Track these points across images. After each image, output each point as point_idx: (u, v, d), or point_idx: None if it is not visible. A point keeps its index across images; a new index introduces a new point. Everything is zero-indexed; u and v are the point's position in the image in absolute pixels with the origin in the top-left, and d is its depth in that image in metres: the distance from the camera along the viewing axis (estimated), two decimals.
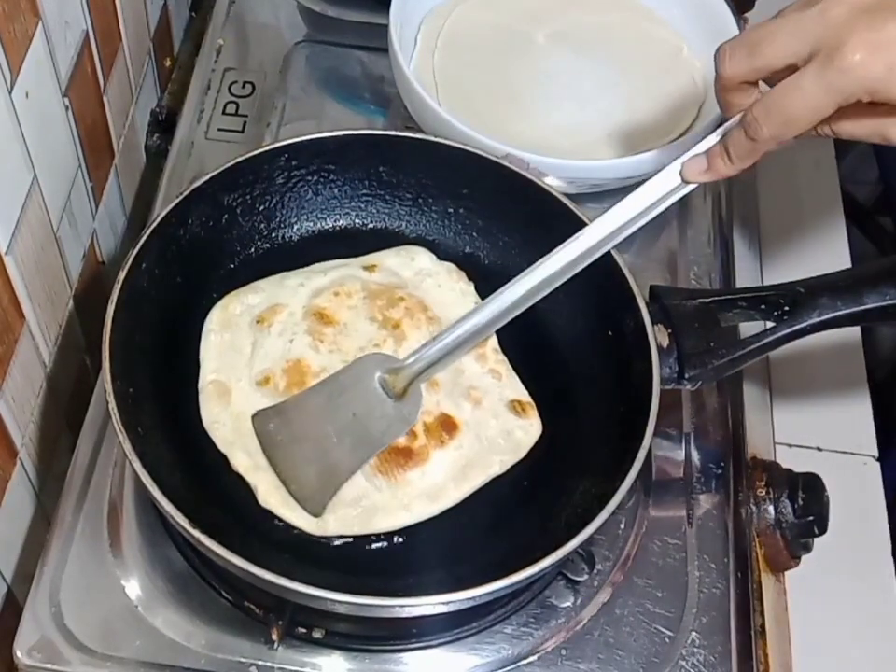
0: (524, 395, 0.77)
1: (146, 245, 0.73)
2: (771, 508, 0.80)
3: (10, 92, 0.70)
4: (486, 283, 0.81)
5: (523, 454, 0.74)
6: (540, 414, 0.76)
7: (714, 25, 0.97)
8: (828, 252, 0.99)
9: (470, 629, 0.73)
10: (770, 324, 0.74)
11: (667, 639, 0.73)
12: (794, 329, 0.73)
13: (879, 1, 0.57)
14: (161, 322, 0.75)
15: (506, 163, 0.81)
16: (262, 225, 0.82)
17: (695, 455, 0.82)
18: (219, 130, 0.98)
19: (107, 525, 0.75)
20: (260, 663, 0.71)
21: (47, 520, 0.86)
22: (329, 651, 0.72)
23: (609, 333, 0.76)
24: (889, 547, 0.85)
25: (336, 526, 0.70)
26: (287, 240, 0.84)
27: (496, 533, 0.71)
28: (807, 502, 0.79)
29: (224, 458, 0.72)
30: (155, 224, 0.74)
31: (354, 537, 0.70)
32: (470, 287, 0.81)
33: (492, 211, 0.83)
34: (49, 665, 0.70)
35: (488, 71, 0.98)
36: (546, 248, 0.71)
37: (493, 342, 0.78)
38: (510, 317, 0.72)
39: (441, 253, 0.83)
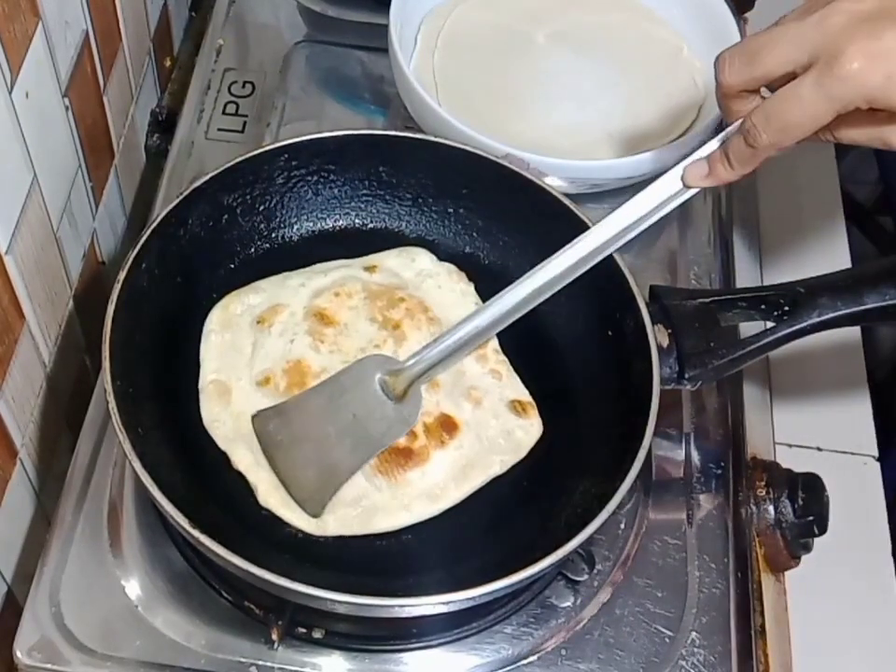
0: (524, 395, 0.77)
1: (146, 245, 0.73)
2: (771, 508, 0.80)
3: (10, 92, 0.70)
4: (486, 283, 0.81)
5: (523, 453, 0.74)
6: (541, 415, 0.76)
7: (714, 25, 0.97)
8: (828, 252, 0.99)
9: (470, 629, 0.73)
10: (770, 324, 0.74)
11: (667, 639, 0.73)
12: (794, 329, 0.73)
13: (878, 10, 0.57)
14: (161, 322, 0.75)
15: (506, 163, 0.81)
16: (262, 225, 0.82)
17: (695, 455, 0.82)
18: (219, 130, 0.98)
19: (107, 525, 0.75)
20: (260, 663, 0.71)
21: (47, 520, 0.86)
22: (329, 650, 0.72)
23: (609, 333, 0.76)
24: (888, 547, 0.85)
25: (336, 526, 0.70)
26: (287, 240, 0.84)
27: (496, 533, 0.71)
28: (807, 502, 0.79)
29: (224, 458, 0.72)
30: (155, 224, 0.74)
31: (354, 537, 0.70)
32: (471, 288, 0.81)
33: (492, 211, 0.83)
34: (48, 665, 0.70)
35: (488, 71, 0.98)
36: (546, 248, 0.71)
37: (493, 342, 0.78)
38: (511, 320, 0.72)
39: (441, 253, 0.83)
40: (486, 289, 0.81)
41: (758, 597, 0.78)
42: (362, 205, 0.85)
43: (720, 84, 0.65)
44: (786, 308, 0.74)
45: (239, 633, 0.71)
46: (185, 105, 0.99)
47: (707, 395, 0.85)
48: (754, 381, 0.88)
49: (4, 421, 0.76)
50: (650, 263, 0.92)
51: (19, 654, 0.70)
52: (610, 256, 0.73)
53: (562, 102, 0.97)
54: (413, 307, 0.78)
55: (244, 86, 1.01)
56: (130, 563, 0.74)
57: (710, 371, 0.73)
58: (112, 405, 0.65)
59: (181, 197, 0.76)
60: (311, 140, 0.81)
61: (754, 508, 0.80)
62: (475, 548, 0.70)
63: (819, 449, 0.89)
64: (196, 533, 0.61)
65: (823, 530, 0.78)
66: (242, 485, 0.71)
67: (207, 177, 0.77)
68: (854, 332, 0.94)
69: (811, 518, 0.79)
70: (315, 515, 0.69)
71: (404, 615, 0.63)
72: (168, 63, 1.10)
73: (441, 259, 0.83)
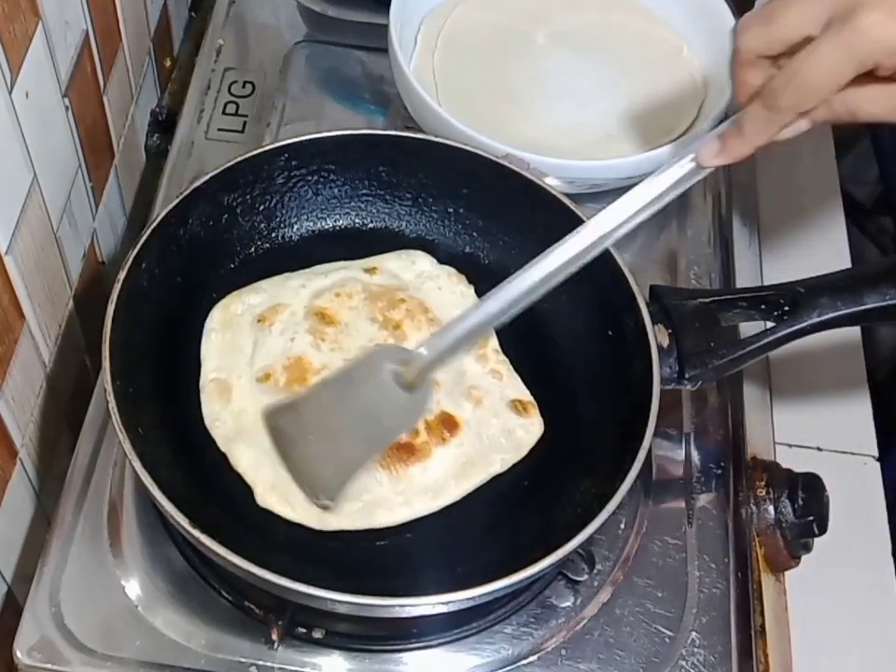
0: (525, 394, 0.77)
1: (146, 245, 0.73)
2: (771, 508, 0.80)
3: (10, 92, 0.70)
4: (486, 283, 0.81)
5: (524, 452, 0.74)
6: (541, 415, 0.76)
7: (714, 25, 0.97)
8: (828, 252, 0.99)
9: (470, 629, 0.73)
10: (770, 324, 0.74)
11: (667, 639, 0.73)
12: (794, 329, 0.73)
13: None
14: (160, 322, 0.75)
15: (506, 163, 0.81)
16: (262, 225, 0.82)
17: (695, 455, 0.82)
18: (219, 130, 0.98)
19: (107, 525, 0.75)
20: (260, 663, 0.71)
21: (47, 520, 0.86)
22: (329, 650, 0.72)
23: (609, 333, 0.76)
24: (888, 547, 0.85)
25: (337, 521, 0.70)
26: (287, 240, 0.84)
27: (496, 533, 0.71)
28: (807, 502, 0.79)
29: (224, 458, 0.72)
30: (155, 224, 0.74)
31: (354, 534, 0.70)
32: (470, 290, 0.81)
33: (492, 211, 0.83)
34: (49, 665, 0.70)
35: (488, 71, 0.98)
36: (546, 248, 0.71)
37: (493, 342, 0.78)
38: (522, 305, 0.68)
39: (441, 253, 0.83)
40: (486, 290, 0.80)
41: (758, 597, 0.78)
42: (362, 205, 0.85)
43: (737, 48, 0.63)
44: (786, 308, 0.74)
45: (239, 633, 0.71)
46: (185, 105, 1.00)
47: (707, 395, 0.85)
48: (754, 381, 0.88)
49: (4, 421, 0.76)
50: (650, 263, 0.92)
51: (19, 654, 0.70)
52: (610, 255, 0.72)
53: (562, 102, 0.97)
54: (413, 308, 0.78)
55: (244, 86, 1.01)
56: (130, 563, 0.74)
57: (710, 371, 0.73)
58: (112, 405, 0.66)
59: (181, 197, 0.76)
60: (311, 140, 0.81)
61: (754, 508, 0.80)
62: (475, 548, 0.70)
63: (819, 449, 0.89)
64: (196, 533, 0.62)
65: (823, 530, 0.78)
66: (242, 485, 0.71)
67: (207, 177, 0.77)
68: (854, 332, 0.94)
69: (811, 518, 0.79)
70: (328, 508, 0.69)
71: (404, 615, 0.63)
72: (168, 63, 1.10)
73: (440, 258, 0.83)
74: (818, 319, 0.73)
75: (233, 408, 0.73)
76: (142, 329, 0.73)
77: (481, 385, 0.76)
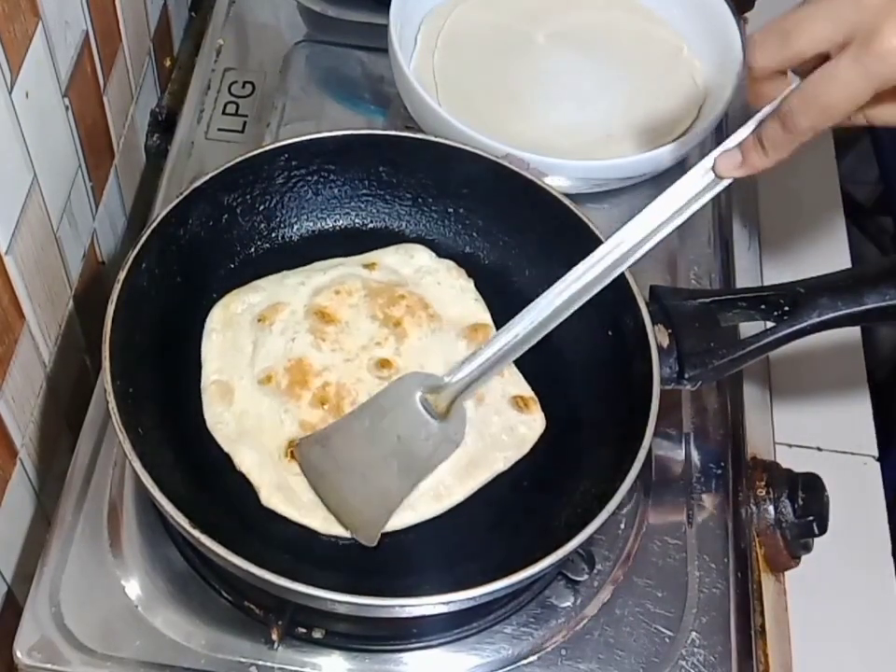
0: (526, 390, 0.77)
1: (146, 245, 0.73)
2: (771, 508, 0.80)
3: (10, 92, 0.70)
4: (486, 283, 0.81)
5: (527, 449, 0.74)
6: None
7: (714, 25, 0.97)
8: (828, 252, 0.99)
9: (470, 629, 0.72)
10: (770, 324, 0.74)
11: (667, 639, 0.73)
12: (794, 329, 0.73)
13: None
14: (161, 322, 0.75)
15: (506, 163, 0.81)
16: (262, 225, 0.82)
17: (695, 455, 0.82)
18: (219, 130, 0.98)
19: (107, 525, 0.75)
20: (260, 663, 0.71)
21: (47, 520, 0.86)
22: (329, 650, 0.72)
23: (609, 333, 0.76)
24: (888, 547, 0.85)
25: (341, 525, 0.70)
26: (287, 240, 0.84)
27: (496, 533, 0.71)
28: (807, 502, 0.79)
29: (225, 458, 0.72)
30: (155, 224, 0.74)
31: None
32: (470, 284, 0.81)
33: (492, 211, 0.83)
34: (48, 665, 0.69)
35: (488, 71, 0.98)
36: (546, 248, 0.71)
37: None
38: (551, 326, 0.69)
39: (441, 253, 0.83)
40: (486, 289, 0.81)
41: (758, 597, 0.78)
42: (362, 205, 0.85)
43: (751, 66, 0.63)
44: (786, 308, 0.74)
45: (239, 633, 0.71)
46: (185, 104, 0.99)
47: (707, 395, 0.85)
48: (754, 381, 0.88)
49: (4, 421, 0.76)
50: (650, 263, 0.91)
51: (19, 654, 0.70)
52: None
53: (562, 102, 0.97)
54: (413, 304, 0.78)
55: (244, 86, 1.01)
56: (130, 563, 0.74)
57: (710, 371, 0.73)
58: (112, 405, 0.66)
59: (181, 197, 0.76)
60: (311, 140, 0.81)
61: (754, 508, 0.80)
62: (475, 548, 0.70)
63: (819, 449, 0.89)
64: (196, 533, 0.61)
65: (823, 530, 0.78)
66: (242, 485, 0.71)
67: (207, 177, 0.77)
68: (854, 332, 0.94)
69: (811, 518, 0.79)
70: (369, 543, 0.68)
71: (404, 615, 0.63)
72: (168, 63, 1.10)
73: (440, 258, 0.83)
74: (818, 319, 0.73)
75: (235, 409, 0.73)
76: (142, 329, 0.73)
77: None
